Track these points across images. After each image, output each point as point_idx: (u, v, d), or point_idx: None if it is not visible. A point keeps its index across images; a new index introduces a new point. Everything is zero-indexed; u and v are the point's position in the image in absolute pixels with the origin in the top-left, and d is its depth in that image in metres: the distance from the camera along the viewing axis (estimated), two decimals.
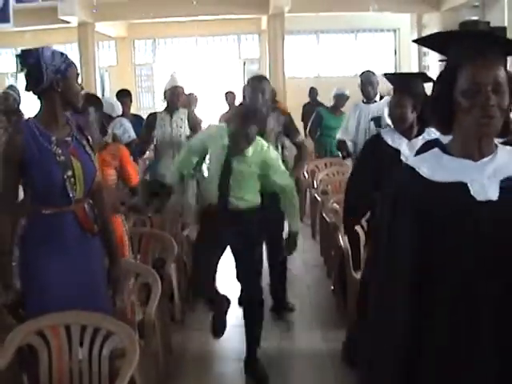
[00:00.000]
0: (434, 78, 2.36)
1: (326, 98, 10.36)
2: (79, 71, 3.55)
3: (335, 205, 6.43)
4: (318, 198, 7.95)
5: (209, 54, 20.37)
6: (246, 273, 4.82)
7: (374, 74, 7.52)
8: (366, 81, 7.50)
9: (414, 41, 2.52)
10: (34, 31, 16.48)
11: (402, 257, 2.18)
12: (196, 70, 19.77)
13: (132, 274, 4.23)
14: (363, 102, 7.53)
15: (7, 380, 3.47)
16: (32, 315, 3.35)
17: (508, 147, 2.28)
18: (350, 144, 7.51)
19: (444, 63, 2.30)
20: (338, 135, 7.89)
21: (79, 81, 3.51)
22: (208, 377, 4.95)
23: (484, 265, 2.11)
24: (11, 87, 8.42)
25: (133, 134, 7.63)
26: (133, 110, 9.47)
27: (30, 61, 3.36)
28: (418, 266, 2.15)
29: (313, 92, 13.28)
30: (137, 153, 7.54)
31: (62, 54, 3.42)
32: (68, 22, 15.80)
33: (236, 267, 4.87)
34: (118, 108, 7.29)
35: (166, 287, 4.78)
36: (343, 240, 5.33)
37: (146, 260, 4.98)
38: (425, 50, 14.81)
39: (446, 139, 2.34)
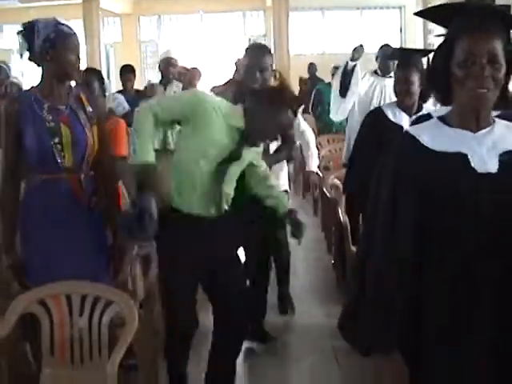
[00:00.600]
0: None
1: (331, 75, 10.44)
2: (80, 45, 3.58)
3: (336, 180, 6.48)
4: (320, 175, 8.00)
5: (214, 30, 20.36)
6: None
7: (392, 48, 7.47)
8: (386, 55, 7.45)
9: (416, 13, 2.54)
10: (38, 7, 16.47)
11: (403, 234, 2.21)
12: (201, 46, 19.77)
13: (133, 246, 4.30)
14: (376, 73, 7.46)
15: (10, 348, 3.58)
16: (33, 283, 3.45)
17: (504, 121, 2.32)
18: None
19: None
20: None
21: (79, 54, 3.53)
22: (207, 348, 5.00)
23: (484, 238, 2.15)
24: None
25: (127, 106, 7.65)
26: (138, 86, 9.50)
27: (26, 30, 3.47)
28: (419, 240, 2.20)
29: (311, 68, 13.30)
30: None
31: (57, 24, 3.46)
32: None
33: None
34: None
35: None
36: (342, 215, 5.39)
37: None
38: (430, 27, 14.76)
39: (441, 113, 2.40)
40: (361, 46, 7.34)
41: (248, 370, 4.81)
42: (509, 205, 2.16)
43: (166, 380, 4.03)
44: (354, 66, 6.77)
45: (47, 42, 3.42)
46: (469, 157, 2.17)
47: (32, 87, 3.62)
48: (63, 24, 3.50)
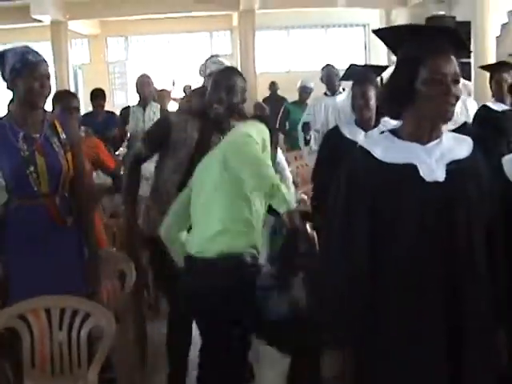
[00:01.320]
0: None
1: (297, 93, 10.64)
2: (49, 69, 3.67)
3: (303, 195, 6.63)
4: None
5: (181, 50, 20.51)
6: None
7: (333, 67, 7.77)
8: (329, 74, 7.73)
9: (374, 31, 2.68)
10: (6, 30, 16.55)
11: (358, 244, 2.38)
12: (169, 66, 19.89)
13: (111, 262, 4.39)
14: (326, 94, 7.73)
15: None
16: (13, 300, 3.58)
17: (451, 133, 2.52)
18: (315, 135, 7.64)
19: None
20: (304, 119, 8.08)
21: (47, 81, 3.61)
22: None
23: (431, 245, 2.34)
24: None
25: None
26: (107, 108, 9.61)
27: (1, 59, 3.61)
28: (373, 249, 2.37)
29: (273, 86, 13.46)
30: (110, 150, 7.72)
31: (25, 53, 3.57)
32: (40, 21, 15.90)
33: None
34: None
35: (141, 276, 4.93)
36: (310, 227, 5.53)
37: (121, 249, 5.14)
38: None
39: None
40: (327, 65, 7.64)
41: None
42: (454, 211, 2.35)
43: None
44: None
45: (14, 71, 3.55)
46: (418, 167, 2.35)
47: (6, 114, 3.74)
48: (31, 52, 3.60)
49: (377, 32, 2.64)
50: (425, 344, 2.36)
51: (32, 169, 3.60)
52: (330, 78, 7.75)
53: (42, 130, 3.67)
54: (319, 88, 9.88)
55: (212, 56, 4.89)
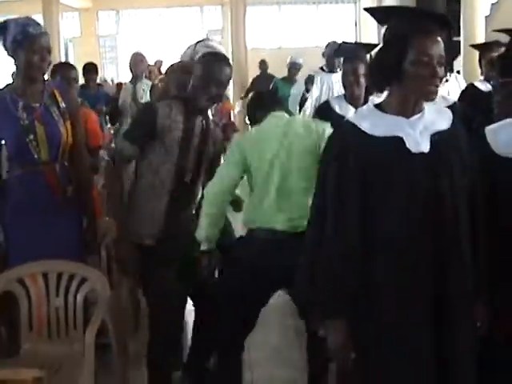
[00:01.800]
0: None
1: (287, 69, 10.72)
2: (49, 41, 3.72)
3: None
4: None
5: (172, 25, 20.51)
6: None
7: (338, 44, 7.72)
8: (333, 51, 7.71)
9: (365, 9, 2.76)
10: None
11: (351, 215, 2.47)
12: (159, 41, 19.88)
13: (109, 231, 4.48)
14: (323, 70, 7.75)
15: None
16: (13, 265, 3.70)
17: (432, 106, 2.64)
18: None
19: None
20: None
21: (47, 54, 3.66)
22: None
23: (419, 211, 2.45)
24: None
25: None
26: (97, 81, 9.69)
27: (4, 29, 3.69)
28: (362, 207, 2.47)
29: (263, 65, 13.44)
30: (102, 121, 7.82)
31: (26, 24, 3.63)
32: None
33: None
34: None
35: None
36: None
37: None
38: None
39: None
40: (334, 42, 7.63)
41: None
42: (440, 181, 2.47)
43: (136, 356, 4.30)
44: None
45: (15, 42, 3.63)
46: (404, 139, 2.47)
47: (7, 85, 3.86)
48: (32, 24, 3.66)
49: (368, 10, 2.72)
50: (413, 317, 2.47)
51: (32, 137, 3.69)
52: (331, 54, 7.73)
53: (42, 99, 3.75)
54: (309, 64, 9.97)
55: (203, 39, 4.67)
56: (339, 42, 7.72)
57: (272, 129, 3.74)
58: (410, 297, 2.47)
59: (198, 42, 4.60)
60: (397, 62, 2.43)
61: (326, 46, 7.91)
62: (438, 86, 2.47)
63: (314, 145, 3.62)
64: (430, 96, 2.48)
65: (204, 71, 3.70)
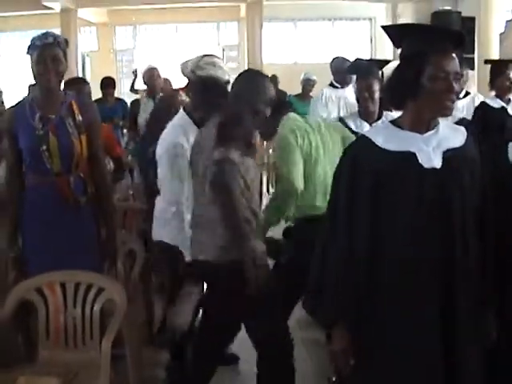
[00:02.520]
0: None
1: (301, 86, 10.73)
2: (56, 51, 3.73)
3: None
4: None
5: (188, 40, 20.61)
6: None
7: (345, 59, 7.56)
8: (339, 67, 7.65)
9: (382, 27, 2.85)
10: (17, 16, 16.70)
11: (361, 222, 2.55)
12: (176, 55, 19.98)
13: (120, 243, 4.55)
14: (333, 86, 7.72)
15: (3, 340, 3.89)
16: (31, 274, 3.77)
17: (446, 123, 2.70)
18: None
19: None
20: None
21: (50, 63, 3.69)
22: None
23: (426, 227, 2.52)
24: None
25: None
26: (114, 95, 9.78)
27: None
28: (372, 218, 2.55)
29: (273, 80, 13.45)
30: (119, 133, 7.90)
31: (36, 39, 3.72)
32: (51, 8, 16.06)
33: None
34: None
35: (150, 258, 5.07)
36: None
37: (131, 231, 5.31)
38: None
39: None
40: (337, 58, 7.62)
41: None
42: (450, 195, 2.53)
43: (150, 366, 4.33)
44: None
45: (28, 55, 3.76)
46: (417, 155, 2.53)
47: (28, 95, 3.99)
48: (40, 37, 3.73)
49: (385, 28, 2.79)
50: (419, 326, 2.53)
51: (44, 147, 3.77)
52: (338, 70, 7.66)
53: (59, 111, 3.83)
54: (324, 80, 9.98)
55: (206, 55, 4.29)
56: (344, 57, 7.70)
57: None
58: (415, 307, 2.53)
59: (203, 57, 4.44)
60: (415, 77, 2.50)
61: (332, 62, 7.79)
62: (453, 102, 2.54)
63: None
64: (446, 111, 2.55)
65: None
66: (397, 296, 2.55)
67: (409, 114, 2.60)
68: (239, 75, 3.91)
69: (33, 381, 3.31)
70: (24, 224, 3.92)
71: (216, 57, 4.23)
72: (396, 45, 2.73)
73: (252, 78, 3.87)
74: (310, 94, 10.17)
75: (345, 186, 2.60)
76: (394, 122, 2.65)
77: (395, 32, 2.77)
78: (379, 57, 18.48)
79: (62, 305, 3.66)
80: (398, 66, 2.62)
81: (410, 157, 2.54)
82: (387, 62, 4.90)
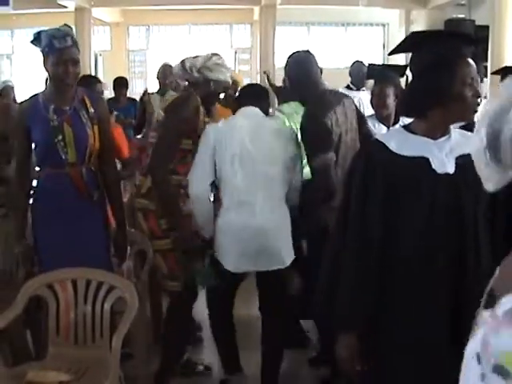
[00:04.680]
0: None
1: None
2: (75, 53, 3.83)
3: None
4: None
5: (201, 42, 20.66)
6: None
7: (364, 64, 7.75)
8: (358, 70, 7.82)
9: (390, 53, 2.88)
10: (31, 14, 16.76)
11: (372, 218, 2.57)
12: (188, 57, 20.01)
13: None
14: (350, 88, 7.83)
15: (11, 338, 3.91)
16: (41, 271, 3.80)
17: (458, 130, 2.72)
18: None
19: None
20: None
21: (71, 64, 3.78)
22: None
23: (439, 232, 2.54)
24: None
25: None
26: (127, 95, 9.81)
27: (35, 39, 3.88)
28: (384, 223, 2.56)
29: (285, 82, 13.44)
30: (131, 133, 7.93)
31: (52, 38, 3.76)
32: (65, 7, 16.12)
33: None
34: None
35: None
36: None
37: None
38: None
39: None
40: (358, 61, 7.76)
41: None
42: (462, 200, 2.55)
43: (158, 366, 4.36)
44: None
45: (43, 54, 3.82)
46: (430, 160, 2.55)
47: (42, 91, 4.00)
48: (58, 37, 3.77)
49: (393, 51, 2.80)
50: (429, 330, 2.55)
51: (60, 138, 3.82)
52: (356, 74, 7.86)
53: (72, 103, 3.90)
54: (337, 86, 10.00)
55: (214, 54, 4.46)
56: (363, 62, 7.86)
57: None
58: (425, 310, 2.55)
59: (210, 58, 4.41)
60: (446, 84, 2.53)
61: (352, 65, 8.04)
62: (479, 105, 2.57)
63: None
64: (472, 115, 2.59)
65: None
66: (407, 299, 2.57)
67: (427, 121, 2.61)
68: None
69: (42, 376, 3.34)
70: (36, 215, 3.96)
71: (222, 58, 4.38)
72: (412, 52, 2.73)
73: None
74: None
75: (357, 192, 2.61)
76: (406, 127, 2.67)
77: (413, 40, 2.76)
78: (392, 63, 18.50)
79: (72, 301, 3.69)
80: (424, 73, 2.59)
81: (424, 162, 2.56)
82: (405, 67, 4.91)
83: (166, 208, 4.04)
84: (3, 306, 3.59)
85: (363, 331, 2.61)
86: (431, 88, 2.56)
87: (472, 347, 1.05)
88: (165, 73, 7.99)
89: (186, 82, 4.30)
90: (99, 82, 5.97)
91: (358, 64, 7.96)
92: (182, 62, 4.24)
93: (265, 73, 13.23)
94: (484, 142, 1.14)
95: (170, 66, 7.80)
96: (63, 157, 3.84)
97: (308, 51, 4.35)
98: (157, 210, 4.09)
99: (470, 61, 2.56)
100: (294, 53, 4.34)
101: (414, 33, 2.84)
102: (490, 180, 1.16)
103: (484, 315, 1.06)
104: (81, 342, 3.70)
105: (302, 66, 4.20)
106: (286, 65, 4.28)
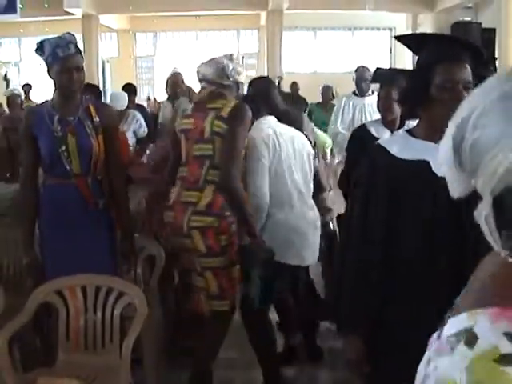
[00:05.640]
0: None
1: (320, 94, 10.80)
2: (79, 60, 3.81)
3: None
4: None
5: (208, 48, 20.71)
6: None
7: (368, 69, 7.83)
8: (361, 76, 7.84)
9: (396, 37, 2.89)
10: (38, 22, 16.82)
11: (376, 223, 2.58)
12: (195, 63, 20.05)
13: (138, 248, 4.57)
14: (355, 94, 7.86)
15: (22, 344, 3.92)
16: (48, 279, 3.80)
17: None
18: (344, 133, 7.61)
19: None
20: (332, 127, 8.18)
21: (75, 72, 3.76)
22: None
23: (439, 234, 2.54)
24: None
25: (146, 128, 7.93)
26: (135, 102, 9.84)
27: (38, 49, 3.86)
28: (386, 225, 2.57)
29: (294, 87, 13.41)
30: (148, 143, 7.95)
31: (56, 47, 3.74)
32: (73, 14, 16.19)
33: None
34: (125, 100, 7.64)
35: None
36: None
37: (150, 236, 5.31)
38: None
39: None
40: (362, 67, 7.79)
41: None
42: (461, 201, 2.54)
43: (167, 371, 4.36)
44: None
45: (47, 63, 3.80)
46: (430, 163, 2.56)
47: (46, 101, 4.00)
48: (61, 46, 3.75)
49: (399, 38, 2.83)
50: (430, 328, 2.54)
51: (63, 148, 3.81)
52: (358, 79, 7.87)
53: (77, 113, 3.88)
54: (343, 90, 10.03)
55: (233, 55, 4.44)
56: (366, 67, 7.88)
57: None
58: (426, 312, 2.52)
59: (234, 59, 4.36)
60: (424, 87, 2.53)
61: (356, 71, 8.03)
62: None
63: None
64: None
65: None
66: (409, 300, 2.57)
67: (422, 124, 2.64)
68: None
69: (52, 382, 3.34)
70: (42, 225, 3.97)
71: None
72: (416, 53, 2.77)
73: None
74: (331, 102, 10.23)
75: (360, 197, 2.64)
76: (409, 132, 2.69)
77: (410, 42, 2.82)
78: (399, 67, 18.51)
79: (82, 308, 3.69)
80: (410, 76, 2.69)
81: (424, 165, 2.56)
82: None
83: (245, 217, 3.89)
84: (13, 313, 3.60)
85: (368, 334, 2.62)
86: (411, 91, 2.64)
87: (420, 367, 1.05)
88: (177, 80, 8.00)
89: (214, 87, 4.13)
90: (100, 92, 5.95)
91: (360, 70, 7.97)
92: (218, 65, 4.15)
93: (279, 78, 13.23)
94: (450, 143, 1.14)
95: (181, 74, 7.83)
96: (67, 167, 3.84)
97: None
98: (218, 226, 3.89)
99: (456, 64, 2.54)
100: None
101: (414, 34, 2.86)
102: (454, 185, 1.16)
103: (434, 334, 1.05)
104: (90, 349, 3.70)
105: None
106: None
